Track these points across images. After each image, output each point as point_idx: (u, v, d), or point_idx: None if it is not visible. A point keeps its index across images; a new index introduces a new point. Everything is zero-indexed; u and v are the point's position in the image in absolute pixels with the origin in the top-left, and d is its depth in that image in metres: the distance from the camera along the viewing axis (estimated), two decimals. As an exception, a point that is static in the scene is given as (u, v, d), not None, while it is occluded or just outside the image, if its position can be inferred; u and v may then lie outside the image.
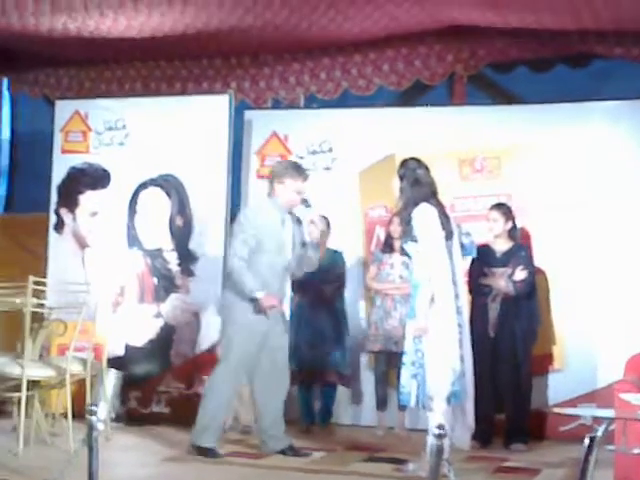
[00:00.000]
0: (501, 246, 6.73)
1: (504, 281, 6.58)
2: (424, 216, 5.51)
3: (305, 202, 5.96)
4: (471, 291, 6.69)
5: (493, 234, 6.71)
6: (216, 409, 5.87)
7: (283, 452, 5.95)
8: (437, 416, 5.36)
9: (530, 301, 6.70)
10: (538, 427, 6.74)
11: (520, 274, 6.58)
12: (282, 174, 5.95)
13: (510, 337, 6.55)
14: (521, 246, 6.81)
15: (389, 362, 6.99)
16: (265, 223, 5.88)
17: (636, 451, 5.07)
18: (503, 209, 6.73)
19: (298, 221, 6.06)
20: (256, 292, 5.77)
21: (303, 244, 6.05)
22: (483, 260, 6.68)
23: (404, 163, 5.81)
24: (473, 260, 6.71)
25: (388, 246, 7.10)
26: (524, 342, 6.61)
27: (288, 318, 6.70)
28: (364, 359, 7.34)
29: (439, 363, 5.38)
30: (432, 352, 5.40)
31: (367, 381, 7.30)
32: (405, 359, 5.52)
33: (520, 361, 6.57)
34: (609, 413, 5.13)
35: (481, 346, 6.53)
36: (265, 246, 5.85)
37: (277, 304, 5.85)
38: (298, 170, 6.01)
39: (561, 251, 7.04)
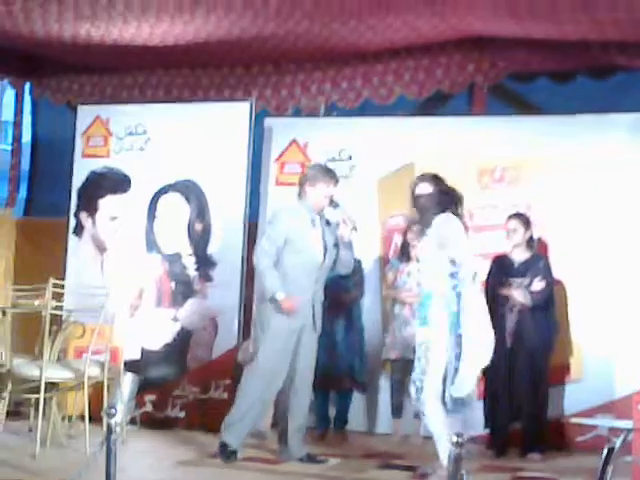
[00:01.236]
0: (519, 256, 6.72)
1: (522, 291, 6.57)
2: (449, 224, 5.52)
3: (333, 203, 5.99)
4: (488, 301, 6.68)
5: (512, 243, 6.71)
6: (245, 410, 5.85)
7: (300, 459, 5.95)
8: (432, 421, 5.36)
9: (548, 312, 6.67)
10: (555, 437, 6.69)
11: (538, 285, 6.57)
12: (315, 177, 6.02)
13: (527, 347, 6.53)
14: (539, 256, 6.79)
15: (406, 370, 6.96)
16: (296, 223, 5.92)
17: (653, 462, 5.05)
18: (522, 218, 6.72)
19: (327, 223, 6.08)
20: (277, 293, 5.77)
21: (336, 245, 6.04)
22: (501, 270, 6.68)
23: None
24: (491, 269, 6.72)
25: (405, 254, 7.10)
26: (541, 352, 6.59)
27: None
28: (381, 366, 7.33)
29: (438, 369, 5.43)
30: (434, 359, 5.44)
31: (383, 388, 7.29)
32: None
33: (537, 371, 6.55)
34: (627, 424, 5.11)
35: (498, 356, 6.52)
36: (296, 246, 5.88)
37: (296, 307, 5.80)
38: (330, 174, 6.08)
39: (579, 262, 7.00)
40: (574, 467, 6.09)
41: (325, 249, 5.98)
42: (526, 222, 6.71)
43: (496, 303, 6.61)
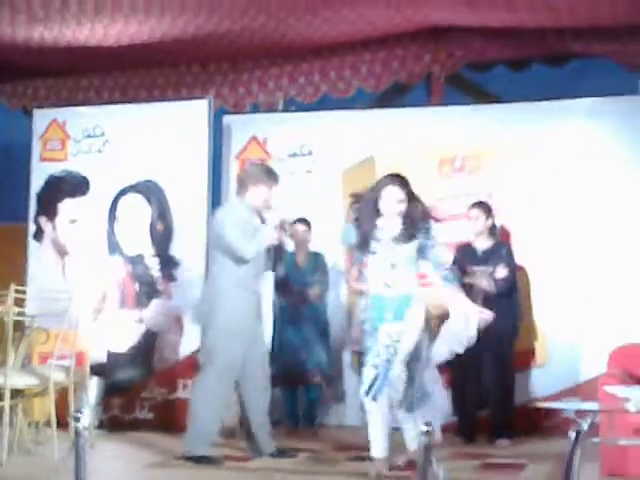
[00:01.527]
0: (482, 244, 6.76)
1: (485, 279, 6.60)
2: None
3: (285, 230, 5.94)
4: None
5: (474, 232, 6.74)
6: (205, 416, 5.82)
7: (271, 455, 5.93)
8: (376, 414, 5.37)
9: (511, 298, 6.72)
10: (523, 422, 6.73)
11: (501, 272, 6.60)
12: (258, 177, 5.93)
13: (492, 334, 6.55)
14: (502, 244, 6.84)
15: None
16: (238, 225, 5.84)
17: (622, 442, 5.10)
18: (484, 207, 6.76)
19: (262, 222, 5.98)
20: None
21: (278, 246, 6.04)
22: (464, 258, 6.71)
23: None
24: (455, 258, 6.75)
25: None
26: (506, 339, 6.63)
27: (271, 320, 6.73)
28: (347, 359, 7.34)
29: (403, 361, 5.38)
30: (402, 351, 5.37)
31: (350, 381, 7.29)
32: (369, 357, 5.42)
33: (503, 357, 6.60)
34: (594, 406, 5.14)
35: (463, 344, 6.57)
36: None
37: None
38: (273, 176, 5.99)
39: (542, 248, 7.07)
40: (543, 451, 6.12)
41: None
42: (487, 210, 6.75)
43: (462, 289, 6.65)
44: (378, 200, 5.44)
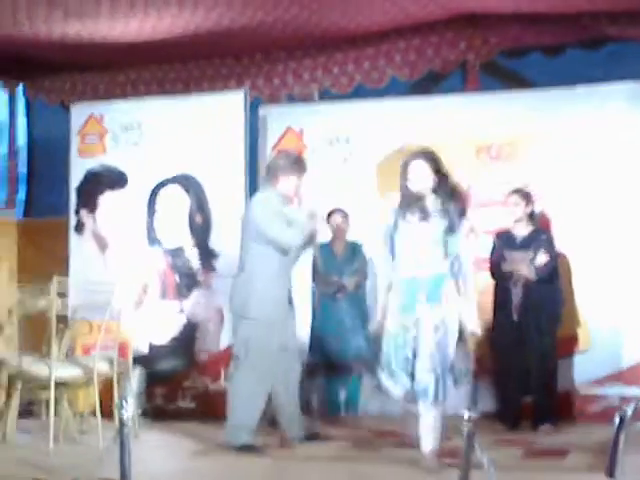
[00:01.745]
0: (521, 231, 6.74)
1: (525, 265, 6.59)
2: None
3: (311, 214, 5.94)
4: (493, 276, 6.73)
5: (514, 218, 6.72)
6: (244, 406, 5.85)
7: (307, 439, 6.00)
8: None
9: (552, 284, 6.69)
10: (565, 409, 6.72)
11: (541, 258, 6.58)
12: (288, 168, 5.96)
13: (534, 320, 6.56)
14: (541, 230, 6.81)
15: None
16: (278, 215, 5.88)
17: (665, 427, 5.07)
18: (523, 193, 6.74)
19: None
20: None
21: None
22: (504, 245, 6.70)
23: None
24: (494, 245, 6.74)
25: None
26: (548, 325, 6.61)
27: (310, 310, 6.77)
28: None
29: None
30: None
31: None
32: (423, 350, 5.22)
33: (545, 344, 6.57)
34: (637, 391, 5.14)
35: (505, 330, 6.57)
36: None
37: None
38: (302, 165, 6.04)
39: (583, 234, 7.01)
40: (586, 438, 6.11)
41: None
42: (526, 197, 6.73)
43: (501, 278, 6.65)
44: (406, 177, 5.30)
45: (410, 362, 5.24)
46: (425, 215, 5.27)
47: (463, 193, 5.44)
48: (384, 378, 5.38)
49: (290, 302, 6.04)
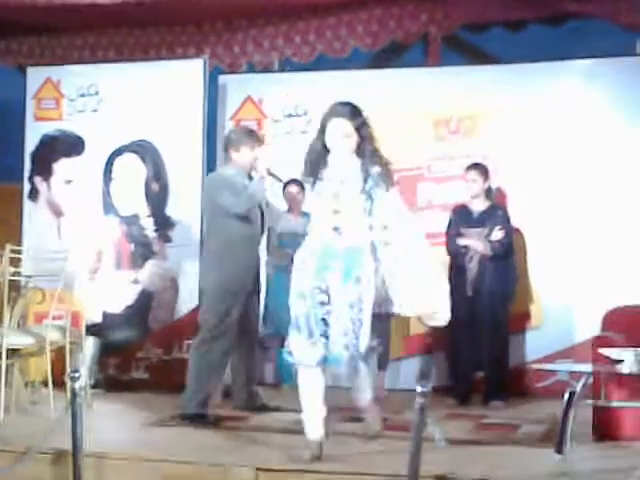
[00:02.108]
0: (478, 206, 6.76)
1: (481, 241, 6.61)
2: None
3: (274, 176, 5.89)
4: (449, 251, 6.75)
5: (471, 194, 6.74)
6: (202, 375, 5.85)
7: (255, 409, 6.10)
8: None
9: (507, 260, 6.74)
10: (517, 384, 6.80)
11: (497, 234, 6.62)
12: (237, 142, 5.98)
13: (488, 296, 6.59)
14: (498, 206, 6.84)
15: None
16: (228, 184, 5.89)
17: (615, 404, 5.14)
18: (481, 169, 6.75)
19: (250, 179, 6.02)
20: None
21: (267, 204, 6.12)
22: (460, 220, 6.72)
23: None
24: (450, 220, 6.76)
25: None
26: (502, 301, 6.66)
27: (264, 281, 6.75)
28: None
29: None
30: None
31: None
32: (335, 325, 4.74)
33: (498, 319, 6.62)
34: (587, 368, 5.18)
35: (459, 306, 6.57)
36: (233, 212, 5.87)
37: None
38: (252, 136, 6.04)
39: (537, 210, 7.08)
40: (536, 412, 6.18)
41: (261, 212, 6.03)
42: (485, 172, 6.75)
43: (456, 253, 6.68)
44: (324, 134, 4.79)
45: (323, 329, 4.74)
46: (341, 176, 4.73)
47: (388, 161, 4.80)
48: (300, 340, 4.78)
49: (256, 273, 6.07)
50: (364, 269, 4.69)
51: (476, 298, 6.59)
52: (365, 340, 4.76)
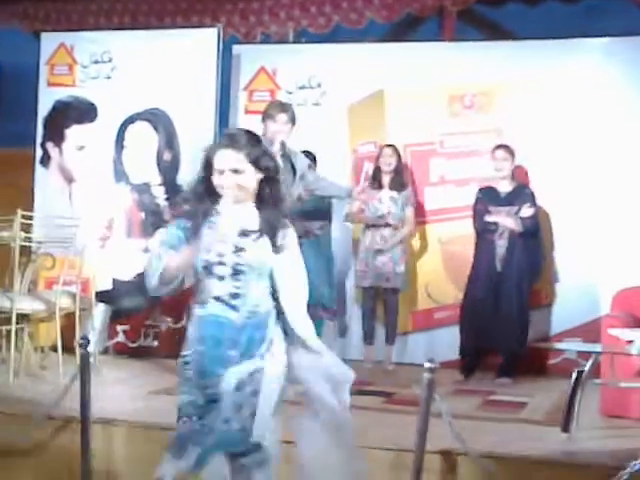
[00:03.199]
0: (505, 187, 6.72)
1: (512, 218, 6.57)
2: None
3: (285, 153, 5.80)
4: (476, 228, 6.70)
5: (501, 175, 6.69)
6: None
7: None
8: None
9: (536, 238, 6.73)
10: (525, 362, 6.77)
11: (527, 211, 6.57)
12: (265, 114, 5.90)
13: (516, 272, 6.55)
14: (523, 185, 6.80)
15: (377, 297, 7.04)
16: None
17: (623, 385, 5.15)
18: (509, 149, 6.70)
19: (286, 157, 5.86)
20: None
21: (302, 176, 5.95)
22: (488, 199, 6.68)
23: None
24: (477, 198, 6.72)
25: (377, 180, 7.06)
26: (529, 278, 6.66)
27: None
28: (351, 294, 7.37)
29: None
30: None
31: (354, 316, 7.34)
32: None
33: (521, 296, 6.60)
34: (596, 347, 5.19)
35: (485, 281, 6.57)
36: None
37: None
38: (279, 110, 5.90)
39: (552, 188, 7.02)
40: (545, 390, 6.19)
41: (291, 183, 5.85)
42: (512, 152, 6.70)
43: (484, 230, 6.64)
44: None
45: None
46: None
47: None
48: None
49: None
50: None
51: (504, 274, 6.56)
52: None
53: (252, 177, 3.40)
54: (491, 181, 6.77)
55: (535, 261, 6.73)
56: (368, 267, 6.96)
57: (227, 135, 3.53)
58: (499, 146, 6.73)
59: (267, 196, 3.46)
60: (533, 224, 6.61)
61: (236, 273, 3.39)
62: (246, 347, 3.38)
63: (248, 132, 3.49)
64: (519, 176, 6.89)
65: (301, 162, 5.97)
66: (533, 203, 6.63)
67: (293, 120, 5.91)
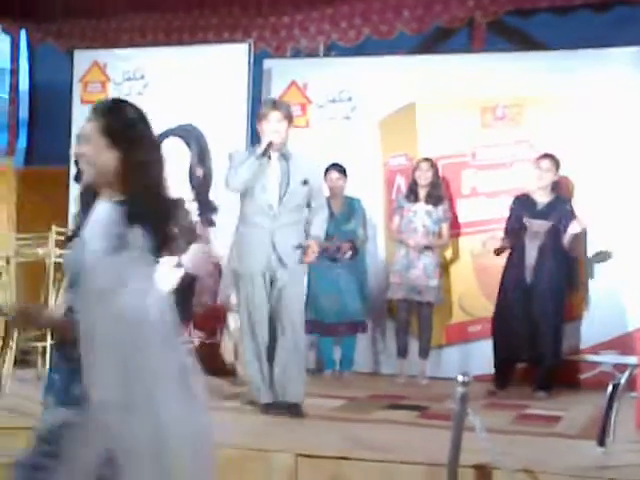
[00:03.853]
0: (543, 198, 6.64)
1: (544, 233, 6.50)
2: None
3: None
4: (509, 239, 6.68)
5: (541, 184, 6.61)
6: (247, 366, 5.78)
7: (284, 407, 5.54)
8: None
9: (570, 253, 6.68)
10: (560, 374, 6.71)
11: (575, 228, 6.50)
12: (262, 113, 5.66)
13: (548, 284, 6.49)
14: (564, 199, 6.72)
15: (411, 310, 7.02)
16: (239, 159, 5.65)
17: (658, 398, 5.09)
18: (554, 159, 6.62)
19: (284, 157, 5.62)
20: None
21: (305, 182, 5.60)
22: (523, 208, 6.63)
23: None
24: (513, 207, 6.67)
25: (413, 193, 7.05)
26: (563, 289, 6.61)
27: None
28: (385, 307, 7.36)
29: None
30: None
31: (388, 329, 7.32)
32: None
33: (558, 308, 6.54)
34: (632, 360, 5.14)
35: (516, 293, 6.52)
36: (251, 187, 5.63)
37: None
38: (272, 106, 5.65)
39: (585, 199, 6.96)
40: (580, 404, 6.14)
41: (286, 185, 5.58)
42: (557, 163, 6.62)
43: (516, 240, 6.60)
44: None
45: None
46: None
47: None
48: None
49: (274, 252, 5.56)
50: None
51: (534, 285, 6.50)
52: None
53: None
54: (528, 190, 6.72)
55: (571, 273, 6.67)
56: (402, 280, 6.94)
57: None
58: (545, 155, 6.65)
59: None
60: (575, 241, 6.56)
61: None
62: None
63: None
64: (560, 190, 6.80)
65: (304, 166, 5.65)
66: (573, 219, 6.54)
67: (288, 118, 5.61)
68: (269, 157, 5.61)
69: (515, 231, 6.61)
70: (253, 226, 5.64)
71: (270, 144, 5.51)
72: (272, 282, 5.60)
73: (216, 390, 6.08)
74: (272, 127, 5.53)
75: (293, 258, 5.60)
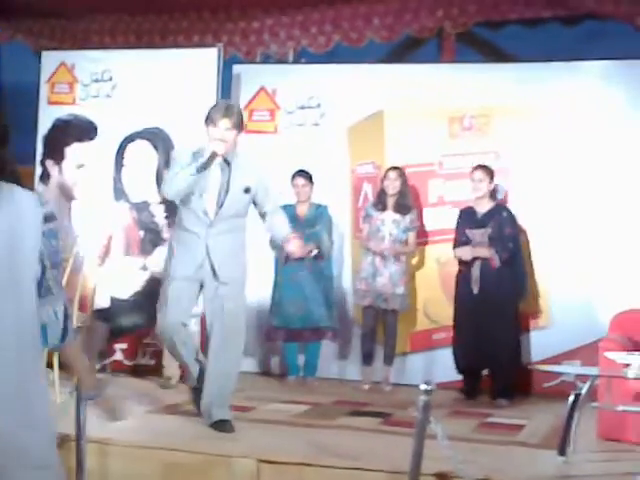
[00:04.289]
0: (482, 207, 6.76)
1: (485, 247, 6.61)
2: None
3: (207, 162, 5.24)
4: (455, 252, 6.76)
5: (477, 195, 6.73)
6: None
7: (215, 425, 5.28)
8: None
9: (515, 259, 6.74)
10: (523, 383, 6.79)
11: (504, 253, 6.61)
12: (208, 117, 5.37)
13: (495, 294, 6.57)
14: (502, 206, 6.85)
15: (377, 318, 7.03)
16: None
17: (620, 408, 5.13)
18: (487, 169, 6.75)
19: (227, 163, 5.31)
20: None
21: (247, 190, 5.29)
22: (465, 220, 6.76)
23: None
24: (457, 222, 6.76)
25: (381, 202, 7.06)
26: (509, 300, 6.67)
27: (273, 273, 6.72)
28: (351, 314, 7.37)
29: None
30: None
31: (353, 336, 7.33)
32: None
33: (507, 318, 6.62)
34: (593, 371, 5.18)
35: (464, 303, 6.62)
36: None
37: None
38: (223, 112, 5.31)
39: (549, 210, 7.05)
40: (542, 412, 6.17)
41: (225, 192, 5.27)
42: (490, 173, 6.75)
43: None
44: None
45: None
46: None
47: None
48: None
49: (211, 265, 5.27)
50: None
51: (480, 296, 6.59)
52: None
53: None
54: (471, 201, 6.82)
55: (514, 282, 6.74)
56: (369, 287, 6.95)
57: None
58: (477, 167, 6.76)
59: None
60: (510, 252, 6.64)
61: None
62: None
63: None
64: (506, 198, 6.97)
65: (247, 172, 5.32)
66: (511, 224, 6.67)
67: (238, 126, 5.28)
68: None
69: (462, 244, 6.68)
70: (188, 232, 5.32)
71: (213, 155, 5.21)
72: (203, 289, 5.37)
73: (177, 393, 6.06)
74: (219, 134, 5.23)
75: (230, 268, 5.29)
